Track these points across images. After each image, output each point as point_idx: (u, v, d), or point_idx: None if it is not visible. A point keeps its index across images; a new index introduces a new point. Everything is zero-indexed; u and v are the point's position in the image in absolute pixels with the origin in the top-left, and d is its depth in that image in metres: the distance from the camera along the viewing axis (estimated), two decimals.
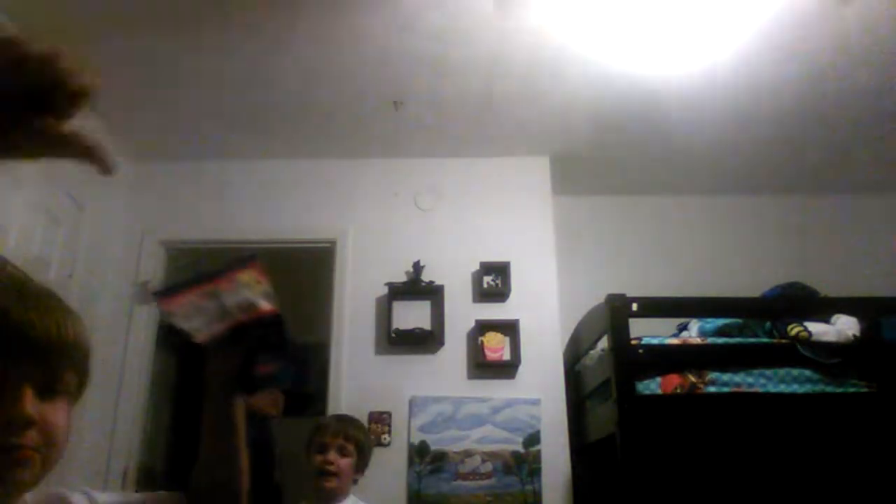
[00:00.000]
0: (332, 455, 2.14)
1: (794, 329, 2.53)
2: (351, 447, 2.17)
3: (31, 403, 0.65)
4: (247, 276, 0.90)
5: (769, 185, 3.87)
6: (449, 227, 3.46)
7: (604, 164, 3.66)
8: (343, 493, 2.16)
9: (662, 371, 2.51)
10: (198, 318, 0.87)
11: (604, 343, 2.72)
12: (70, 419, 0.70)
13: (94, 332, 0.89)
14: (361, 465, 2.22)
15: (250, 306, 0.88)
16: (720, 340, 2.66)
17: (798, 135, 3.34)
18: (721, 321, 2.79)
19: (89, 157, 0.52)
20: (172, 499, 0.92)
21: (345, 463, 2.15)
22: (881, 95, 3.02)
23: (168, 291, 0.91)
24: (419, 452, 3.05)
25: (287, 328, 0.92)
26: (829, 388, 2.47)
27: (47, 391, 0.67)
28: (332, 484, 2.11)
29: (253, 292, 0.89)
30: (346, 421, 2.32)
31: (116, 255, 3.39)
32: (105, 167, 0.52)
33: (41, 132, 0.49)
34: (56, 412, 0.68)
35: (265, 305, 0.89)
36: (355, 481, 2.22)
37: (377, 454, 3.04)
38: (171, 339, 3.39)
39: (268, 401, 3.41)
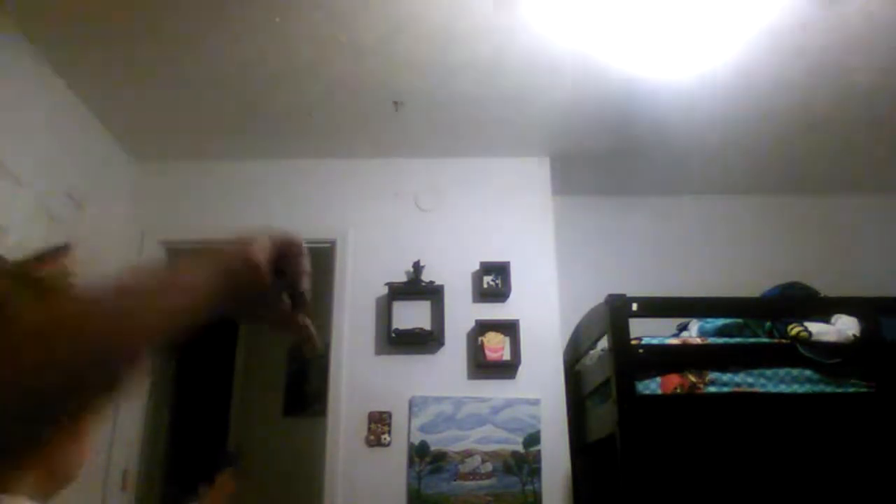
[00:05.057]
0: None
1: (794, 329, 2.53)
2: None
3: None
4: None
5: (769, 185, 3.87)
6: (449, 227, 3.45)
7: (604, 164, 3.66)
8: None
9: (662, 371, 2.51)
10: None
11: (604, 343, 2.72)
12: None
13: None
14: None
15: None
16: (720, 340, 2.66)
17: (798, 135, 3.34)
18: (721, 321, 2.79)
19: (305, 339, 0.66)
20: None
21: None
22: (881, 95, 3.02)
23: None
24: (419, 452, 3.04)
25: None
26: (828, 388, 2.48)
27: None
28: None
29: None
30: None
31: (116, 255, 3.38)
32: (314, 349, 0.68)
33: (285, 316, 0.65)
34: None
35: None
36: None
37: (378, 454, 3.06)
38: None
39: None
